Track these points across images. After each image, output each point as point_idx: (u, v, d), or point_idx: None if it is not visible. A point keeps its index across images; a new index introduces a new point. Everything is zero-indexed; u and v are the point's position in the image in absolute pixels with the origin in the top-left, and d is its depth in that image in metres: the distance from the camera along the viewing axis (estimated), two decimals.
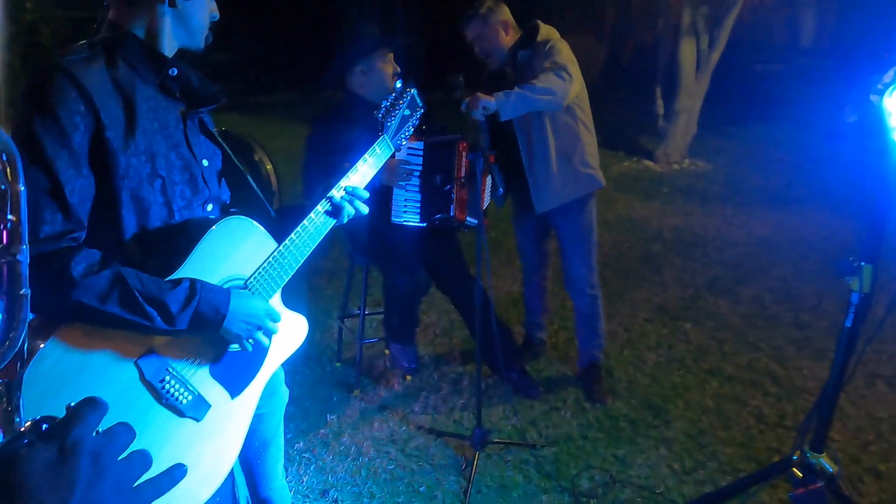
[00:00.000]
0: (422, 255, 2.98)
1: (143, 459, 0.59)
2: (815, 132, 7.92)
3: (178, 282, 1.19)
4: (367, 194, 1.58)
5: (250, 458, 1.59)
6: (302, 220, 1.43)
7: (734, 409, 3.00)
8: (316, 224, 1.47)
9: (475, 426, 2.63)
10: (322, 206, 1.48)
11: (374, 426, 2.86)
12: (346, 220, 1.53)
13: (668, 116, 7.92)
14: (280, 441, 1.67)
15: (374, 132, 2.81)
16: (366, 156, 1.62)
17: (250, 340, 1.32)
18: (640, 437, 2.80)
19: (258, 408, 1.54)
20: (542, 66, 2.71)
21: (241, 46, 11.40)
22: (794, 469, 2.02)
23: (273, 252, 1.38)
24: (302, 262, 1.44)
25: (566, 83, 2.64)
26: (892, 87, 1.50)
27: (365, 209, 1.57)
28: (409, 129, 1.83)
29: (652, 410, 2.99)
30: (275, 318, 1.36)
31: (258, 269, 1.36)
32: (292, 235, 1.40)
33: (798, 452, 2.02)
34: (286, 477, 2.51)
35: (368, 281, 3.25)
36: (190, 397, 1.25)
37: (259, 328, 1.32)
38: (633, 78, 10.82)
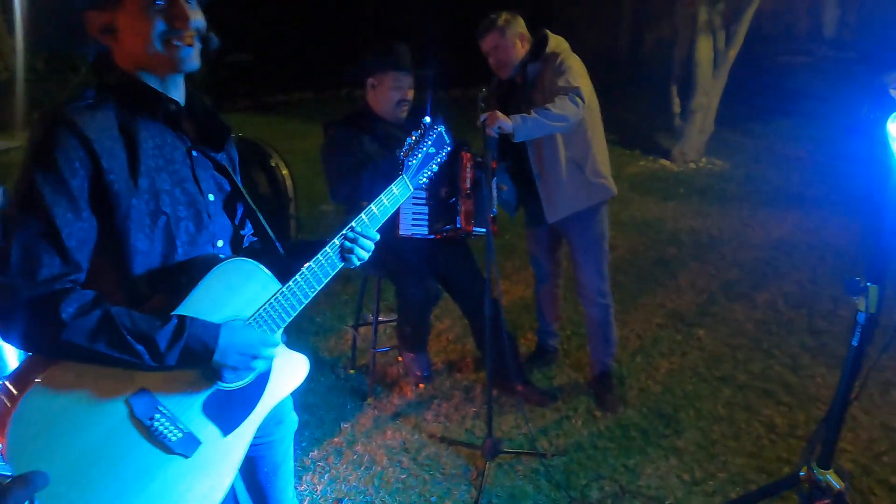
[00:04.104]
0: (432, 265, 3.02)
1: None
2: (835, 128, 7.81)
3: (168, 319, 1.22)
4: (377, 236, 1.56)
5: (261, 482, 1.63)
6: (309, 260, 1.44)
7: (746, 418, 3.00)
8: (323, 266, 1.47)
9: (486, 435, 2.67)
10: (331, 248, 1.48)
11: (386, 435, 2.91)
12: (356, 264, 1.51)
13: (685, 115, 7.86)
14: (290, 465, 1.71)
15: (382, 143, 2.87)
16: (382, 197, 1.60)
17: (249, 370, 1.34)
18: (650, 447, 2.82)
19: (267, 435, 1.58)
20: (553, 82, 2.73)
21: (260, 46, 11.49)
22: (803, 483, 2.03)
23: (275, 293, 1.39)
24: (306, 303, 1.45)
25: (580, 109, 2.68)
26: (894, 114, 1.50)
27: (365, 255, 1.54)
28: (434, 168, 1.76)
29: (663, 419, 3.00)
30: (270, 344, 1.37)
31: (258, 309, 1.37)
32: (297, 277, 1.42)
33: (805, 468, 2.03)
34: (300, 486, 2.58)
35: (381, 287, 3.30)
36: (179, 435, 1.27)
37: (255, 357, 1.33)
38: (650, 74, 10.72)
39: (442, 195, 2.85)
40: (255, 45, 11.30)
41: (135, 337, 1.17)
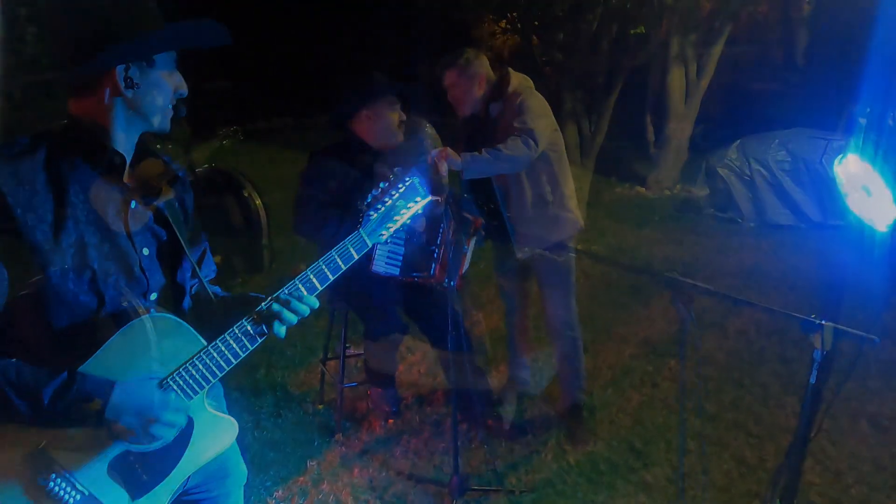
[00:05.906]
0: (399, 299, 2.99)
1: None
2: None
3: (58, 372, 1.18)
4: (315, 303, 1.43)
5: None
6: (243, 316, 1.36)
7: (715, 451, 2.99)
8: (255, 327, 1.37)
9: (452, 472, 2.63)
10: (267, 307, 1.37)
11: (354, 472, 2.86)
12: (283, 335, 1.38)
13: (659, 143, 7.98)
14: None
15: (371, 177, 2.84)
16: (333, 253, 1.46)
17: (150, 435, 1.26)
18: (619, 482, 2.79)
19: (211, 490, 1.52)
20: (511, 123, 2.73)
21: (236, 73, 11.53)
22: None
23: (198, 352, 1.32)
24: (234, 364, 1.37)
25: (531, 151, 2.68)
26: (840, 156, 1.52)
27: (305, 310, 1.40)
28: (406, 220, 1.60)
29: (633, 453, 2.98)
30: (175, 409, 1.29)
31: (177, 368, 1.31)
32: (226, 336, 1.35)
33: None
34: None
35: (349, 319, 3.26)
36: (78, 497, 1.22)
37: (155, 421, 1.25)
38: (626, 100, 10.89)
39: (423, 241, 2.81)
40: (233, 72, 11.34)
41: (17, 391, 1.15)
